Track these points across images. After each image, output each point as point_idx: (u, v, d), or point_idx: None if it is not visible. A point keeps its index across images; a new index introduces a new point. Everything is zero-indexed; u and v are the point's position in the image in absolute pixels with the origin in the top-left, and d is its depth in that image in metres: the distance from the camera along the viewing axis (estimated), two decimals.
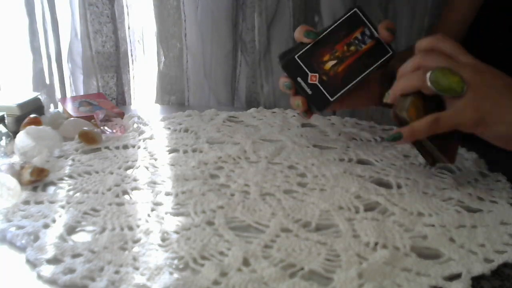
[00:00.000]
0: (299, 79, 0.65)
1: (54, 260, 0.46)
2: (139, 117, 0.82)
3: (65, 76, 0.94)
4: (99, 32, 0.91)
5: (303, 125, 0.81)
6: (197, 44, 0.94)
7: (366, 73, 0.64)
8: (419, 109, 0.55)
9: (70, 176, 0.63)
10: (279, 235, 0.50)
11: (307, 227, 0.52)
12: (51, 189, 0.60)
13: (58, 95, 0.94)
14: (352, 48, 0.64)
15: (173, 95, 0.97)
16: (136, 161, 0.67)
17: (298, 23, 0.92)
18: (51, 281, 0.43)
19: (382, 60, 0.64)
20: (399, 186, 0.61)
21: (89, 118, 0.78)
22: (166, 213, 0.54)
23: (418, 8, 0.93)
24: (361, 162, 0.68)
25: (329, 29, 0.65)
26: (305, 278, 0.44)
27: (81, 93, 0.95)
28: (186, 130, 0.79)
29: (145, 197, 0.58)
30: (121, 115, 0.81)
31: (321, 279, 0.44)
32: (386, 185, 0.61)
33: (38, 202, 0.56)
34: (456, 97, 0.53)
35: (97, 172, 0.64)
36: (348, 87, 0.65)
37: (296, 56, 0.65)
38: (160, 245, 0.48)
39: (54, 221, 0.52)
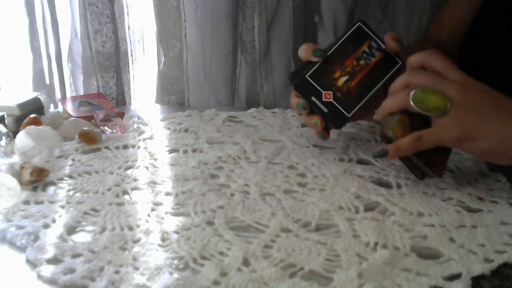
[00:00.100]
0: (313, 98, 0.65)
1: (54, 260, 0.46)
2: (139, 117, 0.82)
3: (65, 76, 0.94)
4: (99, 32, 0.91)
5: (303, 125, 0.81)
6: (197, 44, 0.94)
7: (379, 85, 0.65)
8: (405, 127, 0.56)
9: (70, 176, 0.63)
10: (279, 235, 0.50)
11: (307, 227, 0.52)
12: (51, 189, 0.60)
13: (58, 95, 0.94)
14: (362, 62, 0.65)
15: (173, 95, 0.97)
16: (136, 161, 0.67)
17: (298, 23, 0.92)
18: (51, 281, 0.43)
19: (393, 71, 0.65)
20: (399, 186, 0.61)
21: (89, 118, 0.78)
22: (166, 213, 0.54)
23: (416, 8, 0.93)
24: (361, 162, 0.68)
25: (335, 46, 0.65)
26: (305, 278, 0.44)
27: (81, 93, 0.95)
28: (186, 130, 0.79)
29: (145, 197, 0.58)
30: (121, 115, 0.81)
31: (321, 279, 0.44)
32: (386, 185, 0.61)
33: (38, 202, 0.56)
34: (441, 115, 0.54)
35: (97, 172, 0.64)
36: (364, 101, 0.65)
37: (307, 76, 0.65)
38: (160, 245, 0.48)
39: (54, 221, 0.52)
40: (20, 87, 0.91)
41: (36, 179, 0.60)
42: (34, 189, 0.59)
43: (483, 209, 0.55)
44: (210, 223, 0.52)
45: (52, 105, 0.92)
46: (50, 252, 0.47)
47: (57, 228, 0.51)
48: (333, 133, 0.77)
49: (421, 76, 0.56)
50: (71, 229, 0.51)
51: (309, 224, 0.52)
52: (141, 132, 0.77)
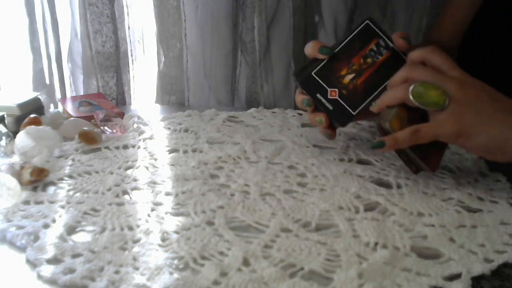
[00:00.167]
0: (318, 95, 0.65)
1: (54, 260, 0.46)
2: (139, 117, 0.82)
3: (65, 76, 0.94)
4: (99, 32, 0.91)
5: (303, 125, 0.81)
6: (197, 44, 0.94)
7: (385, 84, 0.64)
8: (403, 120, 0.56)
9: (70, 176, 0.63)
10: (279, 235, 0.50)
11: (307, 227, 0.52)
12: (51, 189, 0.60)
13: (58, 95, 0.94)
14: (369, 60, 0.64)
15: (173, 95, 0.97)
16: (136, 161, 0.67)
17: (298, 23, 0.92)
18: (51, 281, 0.43)
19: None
20: (399, 186, 0.61)
21: (89, 118, 0.78)
22: (166, 213, 0.54)
23: (416, 8, 0.93)
24: (361, 162, 0.68)
25: (343, 43, 0.65)
26: (305, 278, 0.44)
27: (81, 93, 0.95)
28: (186, 130, 0.79)
29: (145, 197, 0.58)
30: (121, 115, 0.81)
31: (321, 279, 0.44)
32: (386, 185, 0.61)
33: (38, 202, 0.56)
34: (439, 110, 0.54)
35: (97, 172, 0.64)
36: (369, 99, 0.65)
37: (313, 73, 0.64)
38: (160, 245, 0.48)
39: (54, 221, 0.52)
40: (20, 87, 0.91)
41: (36, 179, 0.60)
42: (34, 189, 0.59)
43: (483, 209, 0.55)
44: (210, 223, 0.52)
45: (52, 105, 0.92)
46: (50, 252, 0.47)
47: (57, 228, 0.51)
48: None
49: (421, 71, 0.57)
50: (71, 229, 0.51)
51: (309, 224, 0.52)
52: (141, 132, 0.77)
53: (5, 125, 0.72)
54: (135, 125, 0.79)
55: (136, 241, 0.49)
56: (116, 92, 0.95)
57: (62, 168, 0.64)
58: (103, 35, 0.91)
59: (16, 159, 0.66)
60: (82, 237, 0.50)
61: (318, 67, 0.64)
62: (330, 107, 0.65)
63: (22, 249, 0.48)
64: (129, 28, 0.93)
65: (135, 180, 0.62)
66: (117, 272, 0.44)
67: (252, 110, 0.88)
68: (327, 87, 0.64)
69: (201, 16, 0.92)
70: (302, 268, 0.45)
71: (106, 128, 0.75)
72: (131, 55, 0.95)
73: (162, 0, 0.91)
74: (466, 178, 0.63)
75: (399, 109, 0.57)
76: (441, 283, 0.43)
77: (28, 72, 0.90)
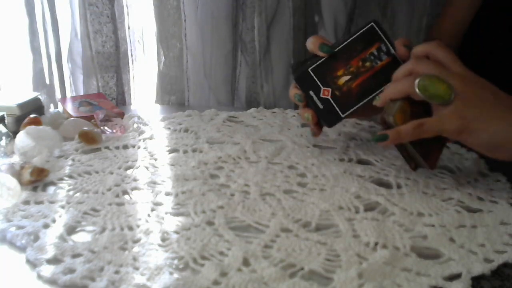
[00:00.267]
0: (311, 92, 0.64)
1: (54, 260, 0.46)
2: (139, 117, 0.82)
3: (65, 76, 0.94)
4: (99, 32, 0.91)
5: (303, 125, 0.81)
6: (197, 44, 0.94)
7: (379, 90, 0.64)
8: (406, 115, 0.56)
9: (70, 176, 0.63)
10: (279, 235, 0.50)
11: (307, 227, 0.52)
12: (51, 189, 0.60)
13: (58, 95, 0.94)
14: (367, 64, 0.64)
15: (173, 95, 0.97)
16: (136, 161, 0.67)
17: (298, 23, 0.92)
18: (51, 281, 0.43)
19: None
20: (399, 186, 0.61)
21: (89, 118, 0.78)
22: (166, 213, 0.54)
23: (416, 8, 0.93)
24: (361, 162, 0.68)
25: (344, 43, 0.64)
26: (305, 278, 0.44)
27: (81, 93, 0.95)
28: (186, 130, 0.79)
29: (145, 197, 0.58)
30: (121, 115, 0.81)
31: (321, 279, 0.44)
32: (386, 185, 0.61)
33: (38, 202, 0.56)
34: (443, 104, 0.54)
35: (97, 172, 0.64)
36: (360, 104, 0.65)
37: (309, 69, 0.64)
38: (160, 245, 0.48)
39: (54, 221, 0.52)
40: (20, 87, 0.91)
41: (36, 179, 0.60)
42: (34, 189, 0.59)
43: (483, 209, 0.55)
44: (210, 223, 0.52)
45: (52, 105, 0.92)
46: (50, 252, 0.47)
47: (57, 228, 0.51)
48: (333, 133, 0.77)
49: (426, 65, 0.56)
50: (71, 229, 0.51)
51: (309, 224, 0.52)
52: (141, 132, 0.77)
53: (5, 125, 0.72)
54: (135, 125, 0.79)
55: (136, 241, 0.49)
56: (116, 92, 0.95)
57: (62, 168, 0.64)
58: (103, 35, 0.91)
59: (16, 159, 0.66)
60: (82, 237, 0.50)
61: (316, 64, 0.64)
62: (321, 106, 0.65)
63: (22, 249, 0.48)
64: (129, 28, 0.93)
65: (135, 180, 0.62)
66: (117, 272, 0.44)
67: (252, 110, 0.88)
68: (321, 86, 0.64)
69: (201, 16, 0.92)
70: (302, 268, 0.45)
71: (106, 128, 0.75)
72: (131, 55, 0.95)
73: (162, 0, 0.91)
74: (466, 178, 0.63)
75: (403, 103, 0.57)
76: (441, 283, 0.43)
77: (28, 72, 0.90)
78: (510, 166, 0.63)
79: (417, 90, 0.55)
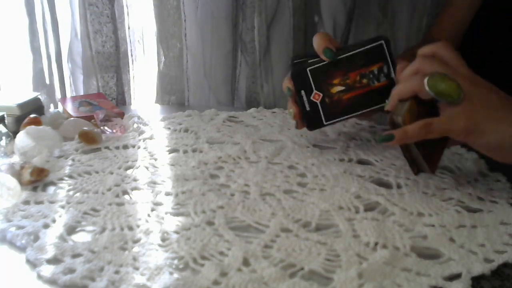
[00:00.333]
0: (302, 92, 0.65)
1: (54, 260, 0.46)
2: (139, 117, 0.82)
3: (65, 76, 0.94)
4: (99, 32, 0.91)
5: None
6: (197, 44, 0.94)
7: (368, 110, 0.64)
8: (414, 115, 0.56)
9: (70, 176, 0.63)
10: (279, 235, 0.50)
11: (307, 227, 0.52)
12: (51, 189, 0.60)
13: (58, 95, 0.94)
14: (365, 80, 0.64)
15: (173, 95, 0.97)
16: (136, 161, 0.67)
17: (298, 23, 0.92)
18: (51, 281, 0.43)
19: (380, 106, 0.63)
20: (399, 186, 0.61)
21: (89, 118, 0.78)
22: (166, 213, 0.54)
23: (416, 8, 0.93)
24: (361, 162, 0.68)
25: (349, 53, 0.63)
26: (305, 278, 0.44)
27: (81, 93, 0.95)
28: (186, 130, 0.79)
29: (145, 197, 0.58)
30: (121, 115, 0.81)
31: (321, 279, 0.44)
32: (386, 185, 0.61)
33: (38, 202, 0.56)
34: (452, 104, 0.54)
35: (97, 172, 0.64)
36: (345, 117, 0.65)
37: (308, 69, 0.64)
38: (160, 245, 0.48)
39: (54, 221, 0.52)
40: (20, 87, 0.91)
41: (36, 179, 0.60)
42: (34, 189, 0.59)
43: (483, 209, 0.55)
44: (210, 223, 0.52)
45: (52, 105, 0.92)
46: (50, 252, 0.47)
47: (57, 228, 0.51)
48: (333, 133, 0.77)
49: (433, 64, 0.56)
50: (71, 229, 0.51)
51: (309, 224, 0.52)
52: (141, 132, 0.77)
53: (5, 125, 0.72)
54: (135, 125, 0.79)
55: (136, 241, 0.49)
56: (116, 92, 0.95)
57: (62, 168, 0.64)
58: (103, 35, 0.91)
59: (16, 159, 0.66)
60: (82, 237, 0.50)
61: (315, 65, 0.64)
62: (308, 108, 0.65)
63: (22, 249, 0.48)
64: (129, 28, 0.93)
65: (135, 180, 0.62)
66: (117, 272, 0.44)
67: (252, 110, 0.88)
68: (314, 88, 0.64)
69: (201, 16, 0.92)
70: (302, 268, 0.45)
71: (106, 128, 0.75)
72: (131, 55, 0.95)
73: (162, 0, 0.91)
74: (466, 178, 0.63)
75: (411, 103, 0.56)
76: (441, 283, 0.43)
77: (28, 72, 0.90)
78: (510, 166, 0.63)
79: (426, 87, 0.54)
